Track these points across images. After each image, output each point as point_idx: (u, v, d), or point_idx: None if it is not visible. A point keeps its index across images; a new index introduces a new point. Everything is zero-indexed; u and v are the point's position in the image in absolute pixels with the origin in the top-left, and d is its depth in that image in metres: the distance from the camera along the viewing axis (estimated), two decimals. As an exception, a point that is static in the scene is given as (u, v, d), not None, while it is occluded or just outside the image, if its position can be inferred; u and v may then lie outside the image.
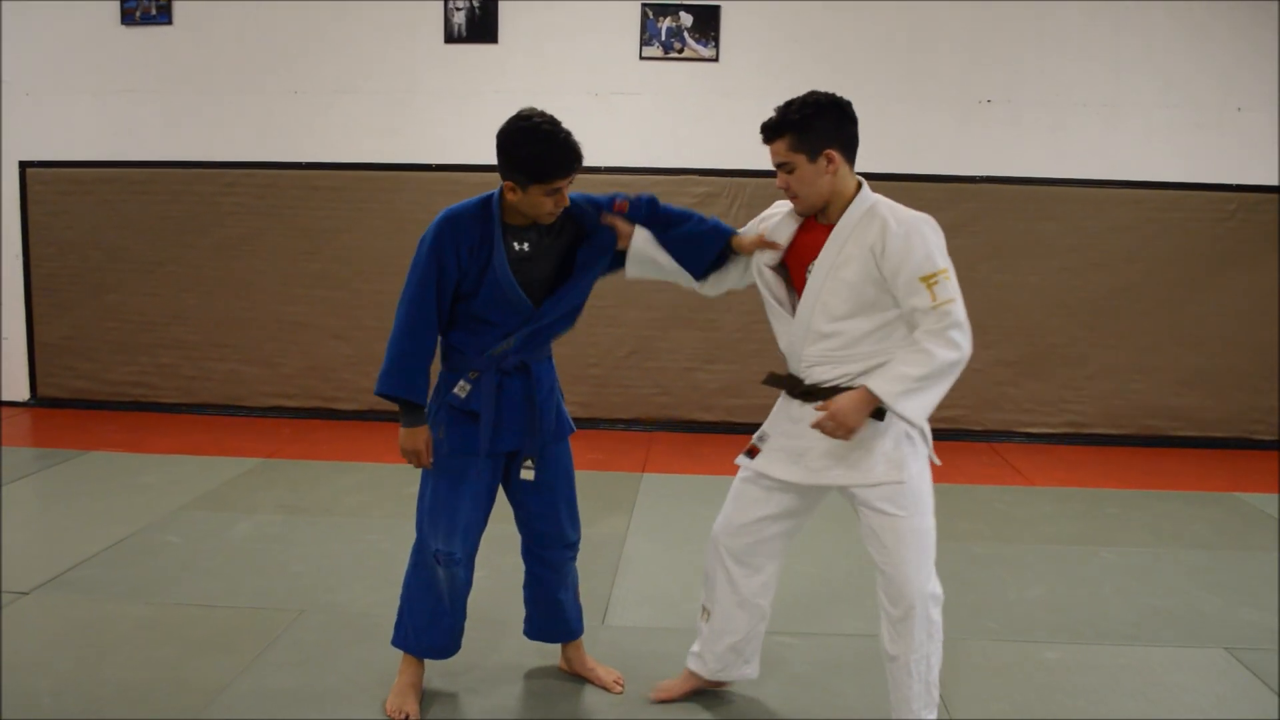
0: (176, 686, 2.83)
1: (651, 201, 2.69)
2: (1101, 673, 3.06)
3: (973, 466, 5.50)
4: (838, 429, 2.37)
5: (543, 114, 2.44)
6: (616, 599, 3.55)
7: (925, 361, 2.31)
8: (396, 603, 2.79)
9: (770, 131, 2.44)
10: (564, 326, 2.69)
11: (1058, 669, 3.07)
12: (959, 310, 2.32)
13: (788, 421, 2.55)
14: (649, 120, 6.02)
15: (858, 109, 2.45)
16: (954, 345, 2.31)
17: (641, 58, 6.01)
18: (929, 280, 2.31)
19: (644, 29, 5.98)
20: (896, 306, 2.38)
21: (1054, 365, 6.09)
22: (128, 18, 6.16)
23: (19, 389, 6.57)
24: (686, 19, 5.95)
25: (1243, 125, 5.88)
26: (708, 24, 5.95)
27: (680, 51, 5.98)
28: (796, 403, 2.52)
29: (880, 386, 2.33)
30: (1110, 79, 5.89)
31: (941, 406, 2.38)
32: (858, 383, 2.39)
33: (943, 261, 2.34)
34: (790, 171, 2.43)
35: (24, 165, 6.36)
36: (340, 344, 6.31)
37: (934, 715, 2.52)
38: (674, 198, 6.11)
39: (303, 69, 6.15)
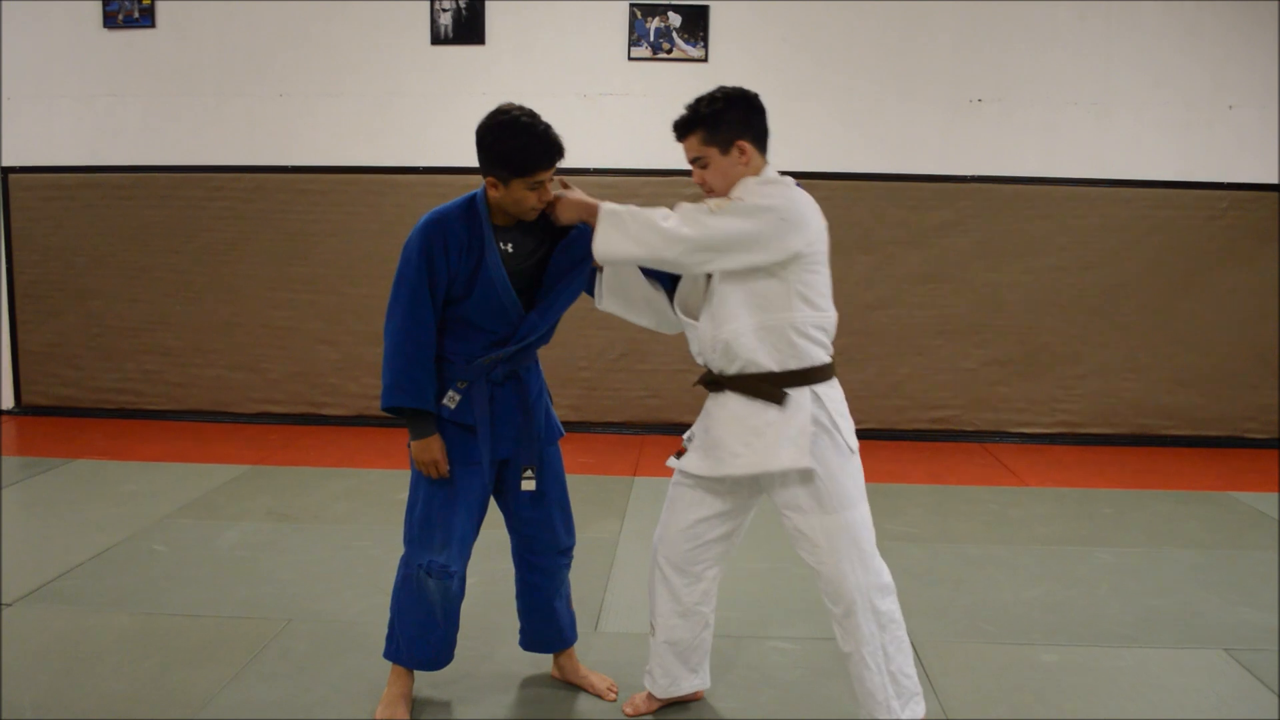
0: (162, 698, 2.78)
1: None
2: (1099, 674, 3.04)
3: (965, 467, 5.47)
4: (556, 208, 2.46)
5: (520, 107, 2.42)
6: (609, 605, 3.52)
7: (649, 213, 2.33)
8: (386, 611, 2.75)
9: (682, 128, 2.44)
10: (545, 340, 2.66)
11: (1055, 671, 3.05)
12: (703, 216, 2.28)
13: (705, 417, 2.53)
14: (638, 121, 5.98)
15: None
16: (670, 217, 2.30)
17: (630, 58, 5.98)
18: (720, 201, 2.33)
19: (632, 29, 5.95)
20: (771, 276, 2.32)
21: (1047, 364, 6.07)
22: (110, 21, 6.11)
23: (3, 397, 6.50)
24: (675, 19, 5.92)
25: (1235, 123, 5.88)
26: (696, 24, 5.92)
27: (669, 52, 5.95)
28: (711, 396, 2.50)
29: (606, 203, 2.38)
30: (1101, 77, 5.89)
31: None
32: (752, 369, 2.36)
33: (756, 203, 2.30)
34: (704, 166, 2.43)
35: (6, 171, 6.30)
36: (328, 349, 6.26)
37: (920, 711, 2.46)
38: (663, 199, 6.13)
39: (288, 72, 6.10)
